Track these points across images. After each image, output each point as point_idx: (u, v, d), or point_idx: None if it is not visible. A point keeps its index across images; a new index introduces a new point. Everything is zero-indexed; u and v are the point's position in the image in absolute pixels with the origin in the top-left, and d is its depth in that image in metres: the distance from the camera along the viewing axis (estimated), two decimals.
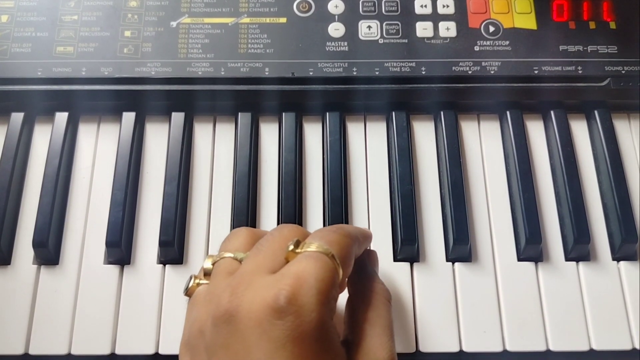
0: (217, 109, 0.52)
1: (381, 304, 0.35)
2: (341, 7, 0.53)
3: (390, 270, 0.46)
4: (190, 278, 0.38)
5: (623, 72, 0.51)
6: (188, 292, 0.37)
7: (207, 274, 0.37)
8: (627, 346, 0.44)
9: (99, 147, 0.51)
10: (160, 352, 0.44)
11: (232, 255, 0.37)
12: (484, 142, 0.52)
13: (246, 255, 0.36)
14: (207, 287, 0.36)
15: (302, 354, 0.28)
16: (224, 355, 0.29)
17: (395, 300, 0.45)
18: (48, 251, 0.46)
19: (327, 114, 0.51)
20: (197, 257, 0.47)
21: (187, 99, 0.51)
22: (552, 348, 0.44)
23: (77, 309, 0.45)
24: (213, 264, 0.36)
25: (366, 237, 0.40)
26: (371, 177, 0.50)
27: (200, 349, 0.31)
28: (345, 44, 0.52)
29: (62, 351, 0.44)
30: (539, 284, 0.46)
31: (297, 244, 0.33)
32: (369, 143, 0.52)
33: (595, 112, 0.52)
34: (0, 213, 0.47)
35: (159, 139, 0.51)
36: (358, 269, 0.37)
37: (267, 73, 0.51)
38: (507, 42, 0.52)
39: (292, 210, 0.47)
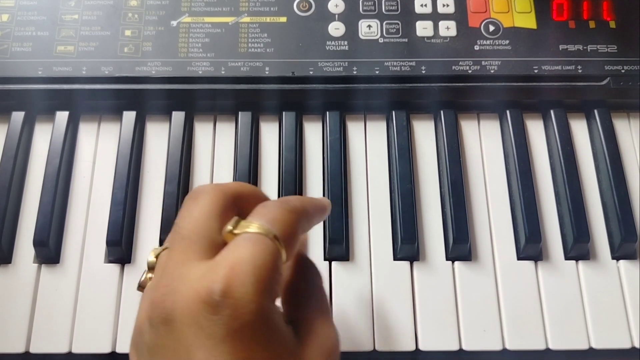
0: (217, 108, 0.52)
1: (318, 277, 0.33)
2: (341, 7, 0.53)
3: (390, 269, 0.47)
4: (144, 272, 0.34)
5: (623, 71, 0.51)
6: (140, 286, 0.33)
7: (151, 267, 0.33)
8: (626, 345, 0.45)
9: (99, 146, 0.51)
10: None
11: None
12: (483, 141, 0.52)
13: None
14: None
15: (244, 347, 0.26)
16: (165, 355, 0.27)
17: (395, 299, 0.46)
18: (49, 250, 0.46)
19: (327, 113, 0.51)
20: None
21: (188, 98, 0.51)
22: (551, 347, 0.44)
23: (77, 308, 0.45)
24: (156, 257, 0.32)
25: (319, 208, 0.35)
26: (371, 176, 0.50)
27: (144, 349, 0.29)
28: (346, 43, 0.52)
29: (63, 350, 0.44)
30: (539, 283, 0.46)
31: (237, 224, 0.30)
32: (369, 142, 0.52)
33: (595, 111, 0.52)
34: (1, 212, 0.47)
35: (159, 138, 0.51)
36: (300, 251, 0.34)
37: (267, 72, 0.51)
38: (507, 42, 0.52)
39: None
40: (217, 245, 0.30)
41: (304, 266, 0.33)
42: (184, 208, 0.32)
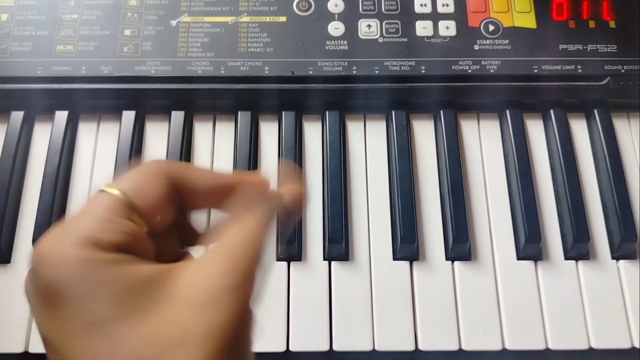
0: (216, 107, 0.52)
1: (248, 221, 0.29)
2: (341, 6, 0.53)
3: (389, 269, 0.47)
4: None
5: (622, 71, 0.51)
6: None
7: None
8: (626, 345, 0.44)
9: (99, 145, 0.51)
10: None
11: None
12: (483, 141, 0.52)
13: None
14: None
15: (63, 304, 0.24)
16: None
17: (395, 299, 0.45)
18: None
19: (327, 112, 0.51)
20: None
21: (187, 98, 0.51)
22: (551, 347, 0.44)
23: None
24: None
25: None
26: (371, 176, 0.50)
27: None
28: (345, 42, 0.52)
29: None
30: (539, 283, 0.46)
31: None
32: (368, 142, 0.52)
33: (595, 111, 0.52)
34: (0, 211, 0.47)
35: (158, 138, 0.51)
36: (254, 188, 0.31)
37: (266, 72, 0.51)
38: (507, 41, 0.52)
39: None
40: None
41: (242, 205, 0.30)
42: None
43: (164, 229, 0.29)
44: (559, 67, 0.51)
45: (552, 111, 0.52)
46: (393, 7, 0.53)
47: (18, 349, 0.44)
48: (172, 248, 0.30)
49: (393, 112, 0.51)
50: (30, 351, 0.44)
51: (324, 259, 0.47)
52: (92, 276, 0.24)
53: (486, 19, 0.53)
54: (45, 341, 0.25)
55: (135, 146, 0.50)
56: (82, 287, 0.24)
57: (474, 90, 0.51)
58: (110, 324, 0.23)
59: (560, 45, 0.52)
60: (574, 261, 0.47)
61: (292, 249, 0.47)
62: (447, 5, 0.53)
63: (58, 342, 0.24)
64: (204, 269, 0.26)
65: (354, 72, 0.51)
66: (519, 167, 0.49)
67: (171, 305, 0.24)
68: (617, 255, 0.47)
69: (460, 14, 0.53)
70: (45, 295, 0.24)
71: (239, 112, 0.51)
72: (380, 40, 0.52)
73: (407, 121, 0.51)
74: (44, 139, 0.51)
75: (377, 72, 0.51)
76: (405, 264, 0.47)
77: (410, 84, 0.51)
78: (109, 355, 0.23)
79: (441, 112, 0.51)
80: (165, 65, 0.51)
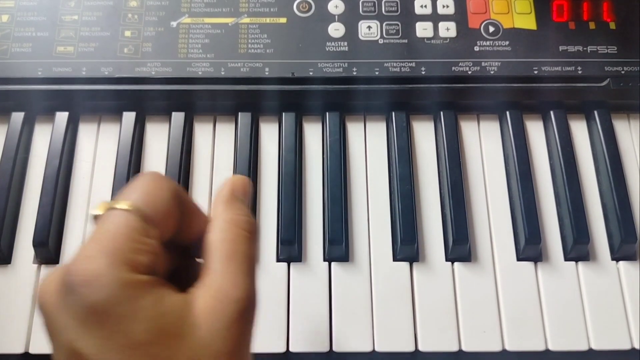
0: (217, 108, 0.52)
1: (238, 236, 0.30)
2: (341, 7, 0.53)
3: (389, 270, 0.47)
4: None
5: (623, 72, 0.51)
6: None
7: None
8: (626, 346, 0.44)
9: (99, 146, 0.51)
10: None
11: None
12: (483, 142, 0.52)
13: None
14: None
15: (107, 321, 0.25)
16: (49, 336, 0.28)
17: (395, 300, 0.45)
18: (48, 250, 0.46)
19: (327, 114, 0.51)
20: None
21: (187, 99, 0.51)
22: (551, 348, 0.44)
23: None
24: None
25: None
26: (371, 177, 0.50)
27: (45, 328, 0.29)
28: (345, 44, 0.52)
29: None
30: (539, 284, 0.46)
31: (102, 207, 0.29)
32: (368, 143, 0.52)
33: (595, 112, 0.52)
34: (1, 212, 0.47)
35: (159, 139, 0.51)
36: (217, 200, 0.33)
37: (267, 73, 0.51)
38: (507, 43, 0.52)
39: (291, 210, 0.47)
40: None
41: (226, 220, 0.32)
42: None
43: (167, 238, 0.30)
44: (559, 69, 0.51)
45: (552, 112, 0.52)
46: (393, 9, 0.53)
47: (18, 349, 0.44)
48: (171, 257, 0.31)
49: (393, 113, 0.51)
50: (30, 352, 0.44)
51: (324, 260, 0.47)
52: (132, 299, 0.26)
53: (486, 20, 0.53)
54: (72, 352, 0.26)
55: (136, 147, 0.50)
56: (124, 309, 0.25)
57: (474, 91, 0.51)
58: (149, 346, 0.25)
59: (560, 47, 0.52)
60: (573, 262, 0.47)
61: (292, 250, 0.47)
62: (447, 6, 0.53)
63: (96, 356, 0.25)
64: (217, 294, 0.28)
65: (354, 73, 0.51)
66: (519, 168, 0.49)
67: (199, 330, 0.27)
68: (617, 256, 0.47)
69: (460, 15, 0.53)
70: (86, 315, 0.25)
71: (239, 113, 0.51)
72: (381, 41, 0.52)
73: (407, 122, 0.52)
74: (44, 140, 0.51)
75: (377, 73, 0.51)
76: (405, 265, 0.47)
77: (411, 85, 0.51)
78: None
79: (441, 113, 0.51)
80: (165, 67, 0.51)
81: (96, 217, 0.29)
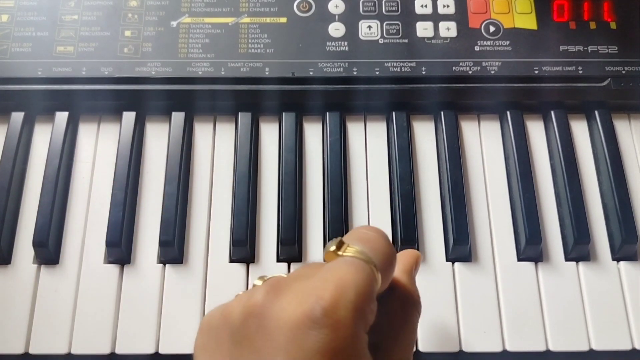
0: (217, 108, 0.52)
1: (409, 315, 0.33)
2: (341, 7, 0.53)
3: None
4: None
5: (623, 72, 0.51)
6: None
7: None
8: (626, 346, 0.44)
9: (99, 146, 0.51)
10: (160, 351, 0.44)
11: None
12: (484, 142, 0.52)
13: None
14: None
15: None
16: (248, 347, 0.28)
17: None
18: (48, 251, 0.46)
19: (327, 113, 0.51)
20: (197, 257, 0.47)
21: (188, 99, 0.51)
22: (551, 348, 0.44)
23: (77, 309, 0.45)
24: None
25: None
26: (371, 177, 0.50)
27: (224, 334, 0.30)
28: (346, 43, 0.52)
29: (62, 350, 0.44)
30: (539, 284, 0.46)
31: (340, 246, 0.31)
32: (369, 143, 0.52)
33: (596, 112, 0.52)
34: (1, 212, 0.47)
35: (159, 139, 0.51)
36: (401, 269, 0.36)
37: (267, 73, 0.51)
38: (508, 42, 0.52)
39: (292, 210, 0.47)
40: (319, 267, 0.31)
41: (397, 298, 0.34)
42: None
43: None
44: (559, 68, 0.51)
45: (552, 112, 0.52)
46: (394, 8, 0.53)
47: (18, 350, 0.44)
48: None
49: (393, 113, 0.51)
50: (30, 352, 0.44)
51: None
52: (357, 354, 0.27)
53: (487, 20, 0.53)
54: None
55: (136, 147, 0.50)
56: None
57: (475, 91, 0.51)
58: None
59: (561, 47, 0.52)
60: (574, 262, 0.47)
61: (292, 250, 0.47)
62: (448, 6, 0.53)
63: None
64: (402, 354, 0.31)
65: (355, 73, 0.51)
66: (520, 168, 0.49)
67: None
68: (617, 256, 0.47)
69: (460, 15, 0.53)
70: (319, 354, 0.26)
71: (240, 113, 0.51)
72: (381, 41, 0.52)
73: (408, 122, 0.51)
74: (44, 140, 0.51)
75: (377, 73, 0.51)
76: None
77: (411, 85, 0.51)
78: None
79: (442, 113, 0.51)
80: (165, 66, 0.51)
81: (334, 252, 0.30)
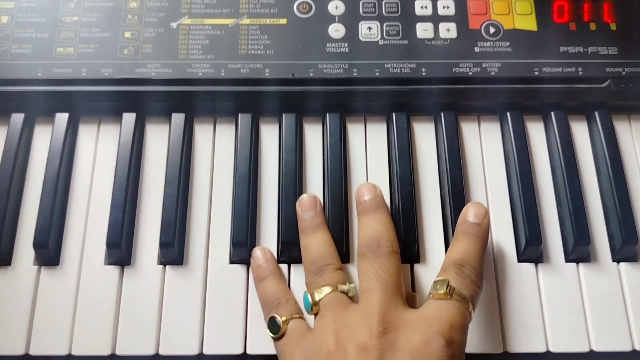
0: (217, 110, 0.52)
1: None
2: (341, 8, 0.53)
3: None
4: (272, 319, 0.42)
5: (623, 73, 0.51)
6: (280, 333, 0.42)
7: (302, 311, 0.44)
8: (627, 347, 0.44)
9: (99, 148, 0.51)
10: (161, 352, 0.44)
11: (337, 288, 0.42)
12: (484, 143, 0.52)
13: (351, 286, 0.43)
14: (324, 319, 0.41)
15: None
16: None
17: None
18: (48, 252, 0.46)
19: (328, 115, 0.51)
20: (198, 258, 0.47)
21: (188, 100, 0.51)
22: (552, 349, 0.44)
23: (77, 310, 0.45)
24: (317, 301, 0.42)
25: None
26: (371, 178, 0.50)
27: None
28: (346, 45, 0.52)
29: (63, 351, 0.44)
30: (539, 285, 0.46)
31: (450, 290, 0.40)
32: (369, 144, 0.52)
33: (596, 113, 0.52)
34: (1, 214, 0.47)
35: (159, 140, 0.51)
36: None
37: (267, 74, 0.51)
38: (508, 43, 0.52)
39: (292, 211, 0.47)
40: (405, 296, 0.42)
41: None
42: (380, 262, 0.42)
43: None
44: (559, 70, 0.51)
45: (552, 113, 0.52)
46: (393, 9, 0.53)
47: (19, 351, 0.44)
48: None
49: (394, 114, 0.51)
50: (30, 353, 0.44)
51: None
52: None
53: (487, 21, 0.53)
54: None
55: (136, 149, 0.50)
56: None
57: (475, 92, 0.51)
58: None
59: (561, 48, 0.52)
60: (574, 264, 0.47)
61: (292, 251, 0.47)
62: (448, 7, 0.53)
63: None
64: None
65: (355, 74, 0.51)
66: (520, 169, 0.49)
67: None
68: (617, 257, 0.47)
69: (460, 16, 0.53)
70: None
71: (240, 115, 0.51)
72: (381, 42, 0.52)
73: (408, 123, 0.51)
74: (44, 141, 0.51)
75: (377, 74, 0.51)
76: (405, 267, 0.47)
77: (411, 86, 0.51)
78: None
79: (442, 114, 0.51)
80: (165, 68, 0.51)
81: (444, 294, 0.40)
